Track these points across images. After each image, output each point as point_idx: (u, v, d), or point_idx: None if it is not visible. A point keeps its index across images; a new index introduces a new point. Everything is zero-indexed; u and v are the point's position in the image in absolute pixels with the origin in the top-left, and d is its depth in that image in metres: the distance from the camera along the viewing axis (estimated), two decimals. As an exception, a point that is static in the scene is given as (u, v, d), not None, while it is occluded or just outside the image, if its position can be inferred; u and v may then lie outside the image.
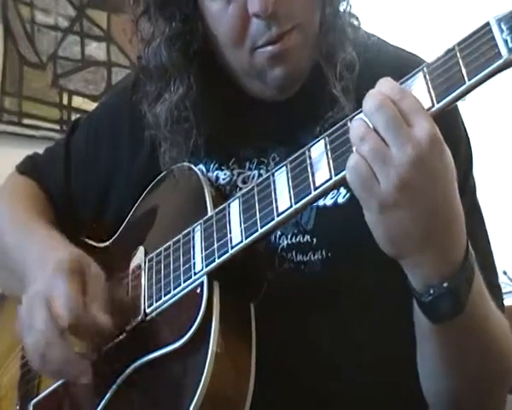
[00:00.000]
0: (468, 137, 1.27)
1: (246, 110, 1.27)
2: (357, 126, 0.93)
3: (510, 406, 1.24)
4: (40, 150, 1.55)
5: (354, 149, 0.94)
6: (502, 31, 0.85)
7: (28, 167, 1.50)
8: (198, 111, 1.24)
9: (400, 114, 0.91)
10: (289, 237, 1.19)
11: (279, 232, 1.18)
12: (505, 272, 2.38)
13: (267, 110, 1.25)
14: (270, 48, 1.15)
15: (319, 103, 1.20)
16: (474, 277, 1.00)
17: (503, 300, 1.23)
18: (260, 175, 1.23)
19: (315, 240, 1.18)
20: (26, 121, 2.92)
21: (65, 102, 3.02)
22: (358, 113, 0.97)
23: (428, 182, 0.92)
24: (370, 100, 0.92)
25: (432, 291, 0.97)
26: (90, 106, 2.97)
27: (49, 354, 1.10)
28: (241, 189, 1.22)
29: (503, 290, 1.29)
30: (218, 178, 1.26)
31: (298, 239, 1.18)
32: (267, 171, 1.22)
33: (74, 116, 2.96)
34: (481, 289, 1.05)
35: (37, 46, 2.99)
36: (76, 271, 1.14)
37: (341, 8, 1.21)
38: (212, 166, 1.27)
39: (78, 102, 3.04)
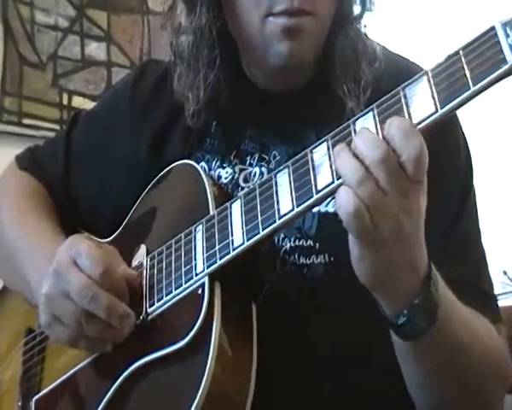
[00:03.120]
0: (466, 143, 1.28)
1: (251, 101, 1.27)
2: (353, 169, 0.93)
3: (510, 406, 1.24)
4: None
5: (349, 188, 0.93)
6: (507, 36, 0.85)
7: (28, 162, 1.49)
8: (224, 41, 1.24)
9: (399, 164, 0.92)
10: (292, 240, 1.19)
11: (282, 235, 1.19)
12: (505, 272, 2.38)
13: (272, 104, 1.26)
14: (285, 19, 1.15)
15: (323, 105, 1.20)
16: (439, 286, 1.02)
17: (497, 308, 1.24)
18: (261, 173, 1.23)
19: (317, 245, 1.18)
20: (26, 121, 2.92)
21: (65, 102, 3.03)
22: (361, 116, 0.98)
23: (416, 223, 0.95)
24: (372, 147, 0.92)
25: (405, 311, 1.00)
26: (90, 106, 2.95)
27: (96, 306, 1.11)
28: (242, 188, 1.23)
29: (503, 290, 1.29)
30: (220, 176, 1.27)
31: (301, 243, 1.19)
32: (268, 169, 1.23)
33: (74, 116, 2.96)
34: (449, 296, 1.06)
35: (37, 46, 2.99)
36: (90, 238, 1.19)
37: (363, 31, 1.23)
38: (214, 163, 1.28)
39: (78, 102, 3.04)
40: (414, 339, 1.02)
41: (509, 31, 0.85)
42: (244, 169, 1.25)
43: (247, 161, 1.26)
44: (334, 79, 1.21)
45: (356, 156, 0.93)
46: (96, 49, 3.12)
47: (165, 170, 1.29)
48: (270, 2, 1.15)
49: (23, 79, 2.94)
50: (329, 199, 1.13)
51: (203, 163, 1.28)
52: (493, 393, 1.19)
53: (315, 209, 1.17)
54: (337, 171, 0.95)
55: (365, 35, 1.24)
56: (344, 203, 0.92)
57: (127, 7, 3.18)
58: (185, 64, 1.25)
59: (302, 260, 1.19)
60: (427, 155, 0.92)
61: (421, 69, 1.20)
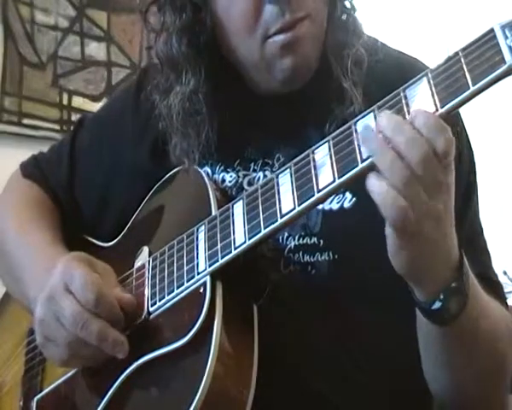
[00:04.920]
0: (469, 142, 1.29)
1: (251, 107, 1.27)
2: (400, 170, 0.92)
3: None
4: (40, 150, 1.55)
5: (394, 189, 0.93)
6: (506, 37, 0.87)
7: (32, 170, 1.50)
8: (210, 104, 1.24)
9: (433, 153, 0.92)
10: (296, 238, 1.20)
11: (286, 233, 1.19)
12: (505, 272, 2.39)
13: (273, 107, 1.26)
14: (282, 36, 1.16)
15: (326, 100, 1.21)
16: (468, 270, 1.04)
17: (505, 296, 1.25)
18: (265, 177, 1.23)
19: (322, 242, 1.19)
20: (26, 121, 2.92)
21: (65, 102, 3.02)
22: (362, 117, 0.99)
23: (450, 209, 0.97)
24: (414, 145, 0.92)
25: (442, 296, 1.01)
26: (90, 106, 2.98)
27: (87, 333, 1.12)
28: (247, 191, 1.23)
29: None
30: (224, 180, 1.27)
31: (305, 241, 1.19)
32: (272, 172, 1.23)
33: (74, 116, 2.96)
34: (474, 281, 1.08)
35: (37, 46, 2.99)
36: (85, 261, 1.18)
37: (349, 6, 1.23)
38: (217, 168, 1.28)
39: (78, 102, 3.04)
40: (447, 323, 1.03)
41: (507, 32, 0.87)
42: (248, 175, 1.26)
43: (251, 168, 1.26)
44: (331, 65, 1.21)
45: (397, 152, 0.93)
46: (95, 49, 3.12)
47: (169, 174, 1.30)
48: (264, 27, 1.16)
49: (23, 79, 2.94)
50: (332, 197, 1.14)
51: (206, 167, 1.29)
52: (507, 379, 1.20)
53: (319, 207, 1.18)
54: (379, 169, 0.94)
55: (352, 8, 1.24)
56: (390, 204, 0.92)
57: (127, 7, 3.18)
58: (176, 132, 1.26)
59: (306, 257, 1.19)
60: (454, 142, 0.93)
61: (423, 65, 1.22)
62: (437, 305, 1.01)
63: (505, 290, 1.28)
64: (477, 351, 1.10)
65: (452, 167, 0.95)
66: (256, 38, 1.17)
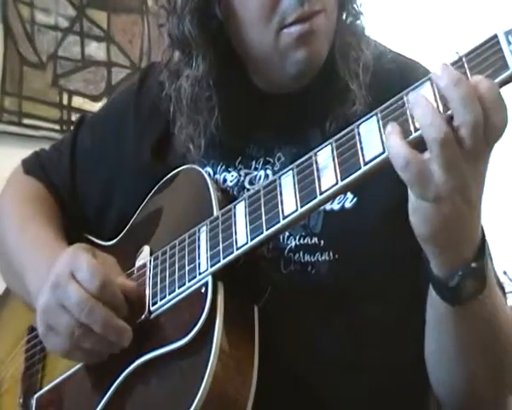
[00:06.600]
0: None
1: (253, 105, 1.28)
2: (439, 127, 0.90)
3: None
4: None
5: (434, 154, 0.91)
6: (509, 43, 0.87)
7: (34, 166, 1.50)
8: (221, 91, 1.24)
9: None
10: (297, 238, 1.20)
11: (287, 233, 1.20)
12: (505, 272, 2.39)
13: (275, 105, 1.26)
14: (299, 27, 1.16)
15: (328, 100, 1.21)
16: (488, 257, 1.03)
17: (506, 296, 1.25)
18: (267, 176, 1.24)
19: (322, 242, 1.19)
20: (26, 121, 2.92)
21: (65, 102, 3.02)
22: (365, 120, 0.99)
23: (481, 187, 0.96)
24: (470, 109, 0.90)
25: (460, 273, 0.99)
26: (90, 106, 2.98)
27: (92, 319, 1.12)
28: (248, 190, 1.23)
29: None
30: (225, 179, 1.28)
31: (306, 241, 1.20)
32: (273, 171, 1.24)
33: (74, 116, 2.96)
34: (492, 272, 1.07)
35: (37, 46, 2.99)
36: (89, 250, 1.19)
37: (357, 10, 1.24)
38: (219, 168, 1.29)
39: (78, 102, 3.04)
40: (462, 303, 1.01)
41: (511, 38, 0.88)
42: (249, 173, 1.26)
43: (252, 166, 1.27)
44: (337, 66, 1.22)
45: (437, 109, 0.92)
46: (95, 49, 3.12)
47: (171, 174, 1.31)
48: (281, 16, 1.16)
49: (23, 79, 2.94)
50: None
51: (208, 168, 1.29)
52: None
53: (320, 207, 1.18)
54: (417, 121, 0.93)
55: (360, 12, 1.25)
56: (399, 162, 0.92)
57: (127, 7, 3.19)
58: (184, 116, 1.26)
59: (307, 257, 1.19)
60: (507, 125, 0.92)
61: (421, 66, 1.22)
62: (454, 281, 0.99)
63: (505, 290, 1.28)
64: (491, 344, 1.09)
65: (493, 148, 0.94)
66: (271, 27, 1.17)
